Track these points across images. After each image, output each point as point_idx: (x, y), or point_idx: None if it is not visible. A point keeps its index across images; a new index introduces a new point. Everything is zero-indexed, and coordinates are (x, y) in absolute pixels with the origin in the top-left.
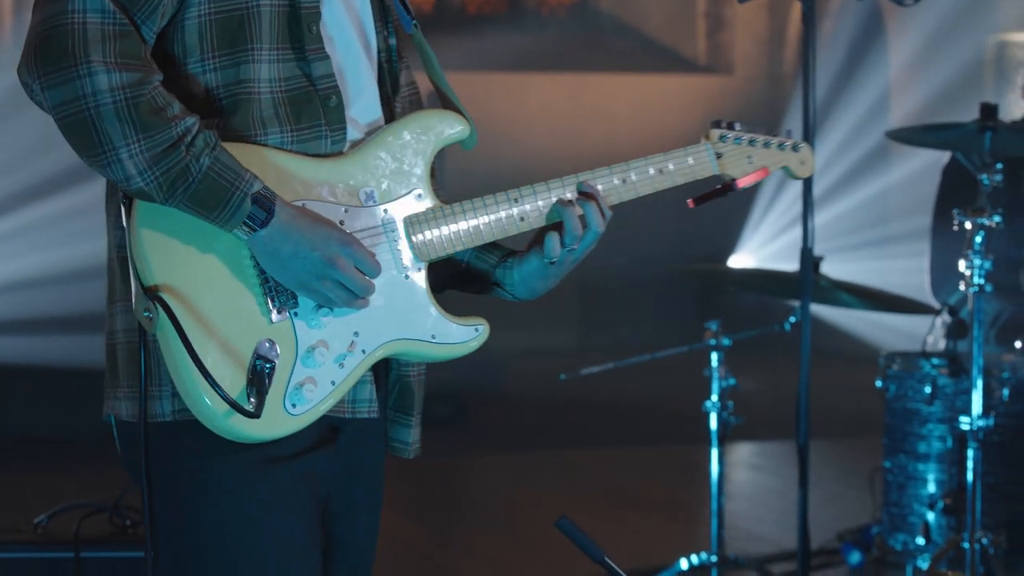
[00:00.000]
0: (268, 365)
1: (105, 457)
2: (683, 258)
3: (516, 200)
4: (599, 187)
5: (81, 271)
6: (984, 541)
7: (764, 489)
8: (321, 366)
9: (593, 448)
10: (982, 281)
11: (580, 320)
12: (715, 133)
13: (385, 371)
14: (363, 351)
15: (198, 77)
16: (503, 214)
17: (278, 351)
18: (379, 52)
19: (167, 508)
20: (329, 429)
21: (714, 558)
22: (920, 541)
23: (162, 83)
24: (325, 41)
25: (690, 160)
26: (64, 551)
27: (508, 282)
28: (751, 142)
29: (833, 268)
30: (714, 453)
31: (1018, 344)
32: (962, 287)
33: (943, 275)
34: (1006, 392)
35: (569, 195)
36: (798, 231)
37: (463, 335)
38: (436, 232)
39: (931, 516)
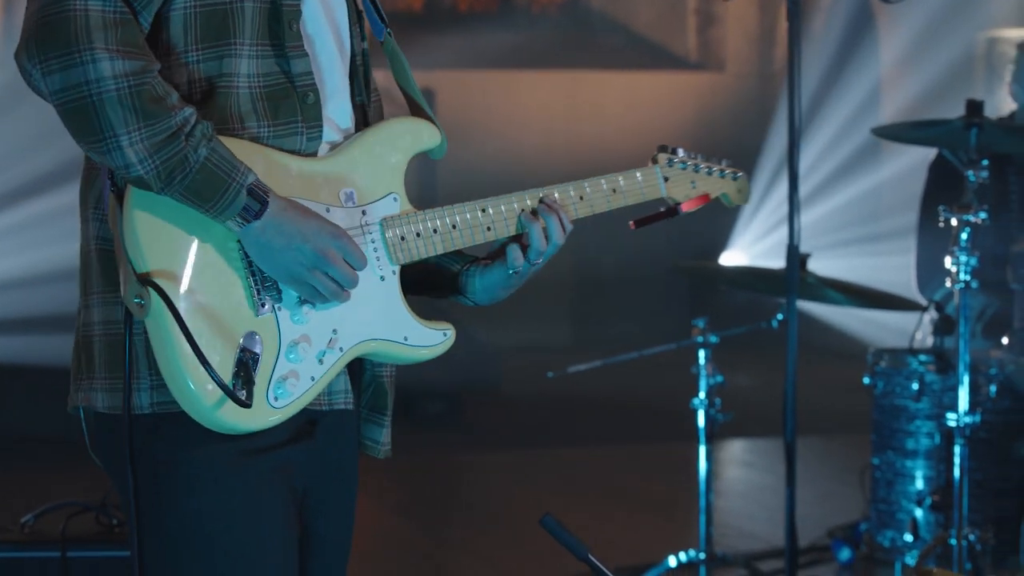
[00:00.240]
0: (253, 357)
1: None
2: (676, 255)
3: (484, 210)
4: (560, 201)
5: (72, 270)
6: (971, 538)
7: (756, 486)
8: (303, 361)
9: (586, 445)
10: (968, 277)
11: (575, 317)
12: (663, 157)
13: (360, 370)
14: (340, 348)
15: (180, 68)
16: (472, 223)
17: (262, 344)
18: (353, 55)
19: (145, 500)
20: (307, 422)
21: (702, 555)
22: (908, 538)
23: None
24: (304, 40)
25: (641, 181)
26: (51, 550)
27: (470, 289)
28: (695, 168)
29: (823, 265)
30: (702, 450)
31: (1005, 340)
32: (948, 283)
33: (929, 271)
34: (993, 388)
35: (532, 206)
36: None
37: (432, 339)
38: (411, 236)
39: (919, 513)
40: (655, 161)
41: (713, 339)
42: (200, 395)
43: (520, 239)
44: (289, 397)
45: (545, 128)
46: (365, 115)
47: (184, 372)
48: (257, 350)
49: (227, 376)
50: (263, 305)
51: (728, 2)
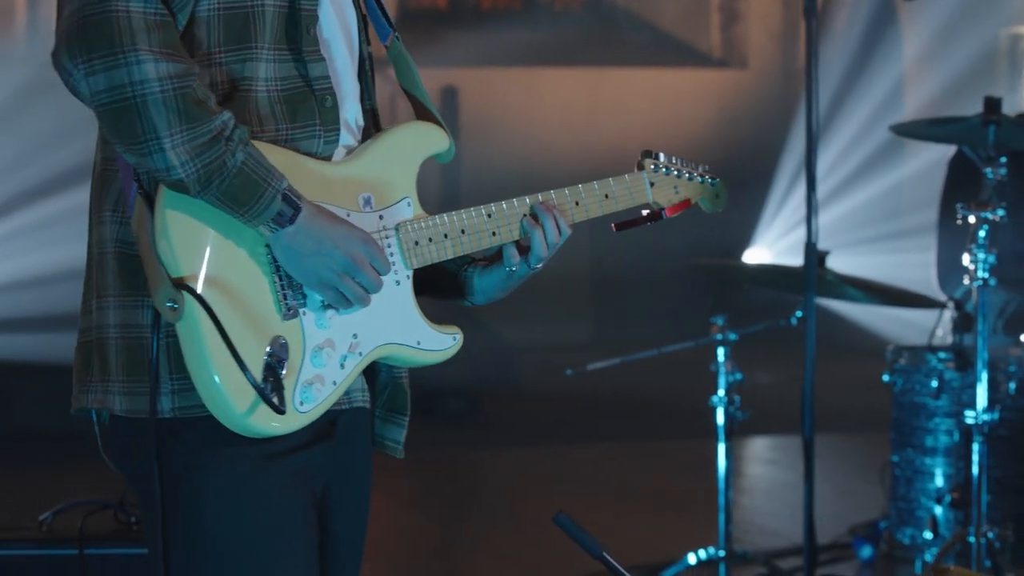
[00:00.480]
0: (280, 362)
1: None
2: (698, 252)
3: (489, 215)
4: (559, 205)
5: None
6: (990, 535)
7: (778, 484)
8: (327, 365)
9: (606, 443)
10: (986, 275)
11: (596, 315)
12: (648, 163)
13: (375, 370)
14: (360, 353)
15: (205, 69)
16: (480, 228)
17: (289, 348)
18: (362, 59)
19: (165, 504)
20: (327, 423)
21: (722, 553)
22: (928, 535)
23: None
24: (321, 44)
25: (630, 187)
26: (68, 548)
27: (468, 290)
28: (678, 174)
29: (845, 262)
30: (721, 448)
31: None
32: (966, 281)
33: (950, 269)
34: (1012, 386)
35: (532, 212)
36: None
37: (443, 343)
38: (424, 241)
39: (939, 510)
40: (641, 167)
41: (732, 336)
42: (233, 400)
43: (520, 242)
44: (314, 402)
45: (568, 126)
46: (375, 118)
47: (217, 377)
48: (284, 354)
49: (257, 381)
50: (289, 310)
51: None
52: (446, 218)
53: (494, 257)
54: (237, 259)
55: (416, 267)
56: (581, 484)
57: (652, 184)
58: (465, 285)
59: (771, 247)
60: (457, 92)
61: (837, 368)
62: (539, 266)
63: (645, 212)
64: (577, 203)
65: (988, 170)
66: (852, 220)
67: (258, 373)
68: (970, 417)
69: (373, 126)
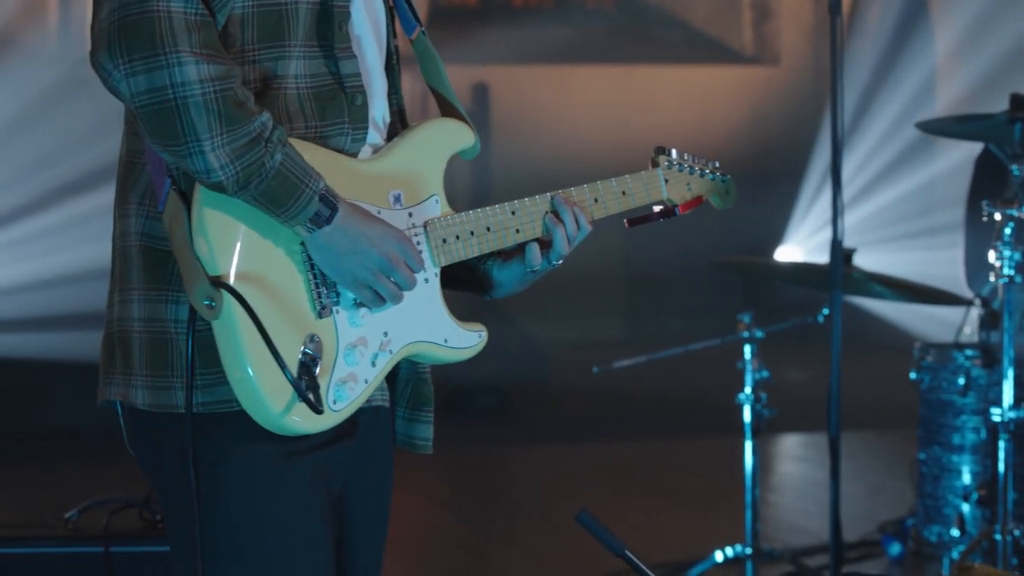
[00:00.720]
0: (314, 360)
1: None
2: (731, 249)
3: (513, 212)
4: (579, 202)
5: None
6: (1016, 533)
7: (809, 481)
8: (359, 363)
9: (636, 440)
10: (1012, 272)
11: (626, 313)
12: (663, 160)
13: (395, 367)
14: (390, 351)
15: (238, 66)
16: (504, 225)
17: (323, 346)
18: (389, 54)
19: (184, 500)
20: (349, 422)
21: (748, 550)
22: (955, 533)
23: None
24: (352, 41)
25: (646, 184)
26: (94, 546)
27: (488, 283)
28: (691, 170)
29: (877, 259)
30: (747, 445)
31: None
32: (992, 278)
33: (977, 266)
34: None
35: (553, 208)
36: (846, 221)
37: (468, 340)
38: (452, 238)
39: (966, 508)
40: (656, 164)
41: (759, 334)
42: (269, 399)
43: (541, 239)
44: (347, 400)
45: (599, 123)
46: (402, 115)
47: (254, 376)
48: (318, 353)
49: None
50: (324, 308)
51: None
52: (472, 215)
53: (513, 251)
54: (273, 257)
55: (444, 264)
56: (612, 481)
57: (667, 181)
58: (485, 279)
59: (802, 244)
60: (488, 89)
61: (868, 365)
62: (558, 263)
63: (658, 208)
64: (596, 200)
65: (1014, 167)
66: (884, 217)
67: (295, 372)
68: (996, 414)
69: (400, 123)
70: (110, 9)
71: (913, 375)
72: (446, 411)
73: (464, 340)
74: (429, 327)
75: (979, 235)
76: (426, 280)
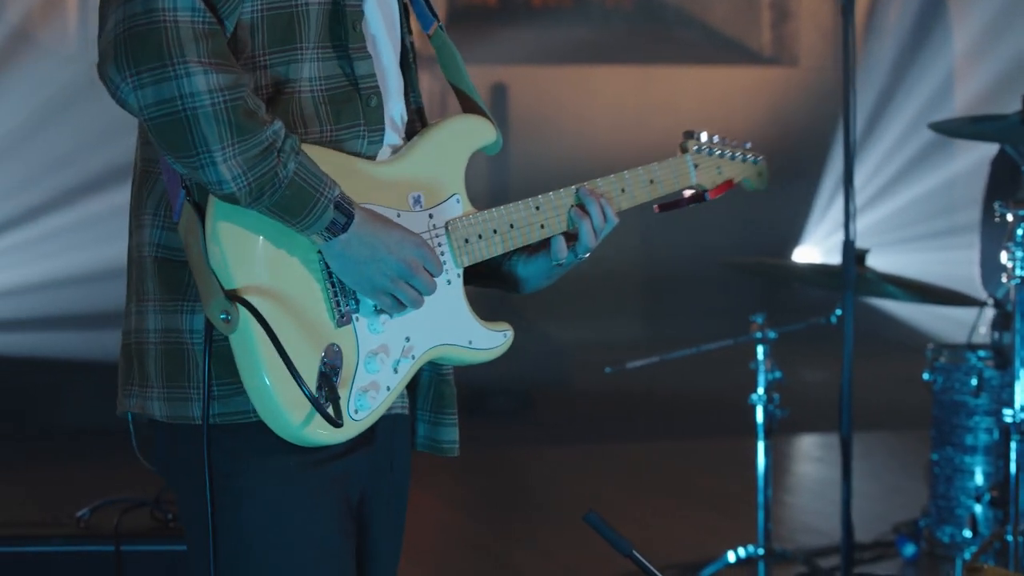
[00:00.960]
0: (335, 370)
1: (147, 453)
2: (749, 250)
3: (537, 208)
4: (605, 194)
5: None
6: None
7: (826, 482)
8: (381, 371)
9: (655, 440)
10: None
11: (647, 313)
12: (691, 144)
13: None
14: (413, 356)
15: (248, 72)
16: (528, 221)
17: (343, 355)
18: (404, 51)
19: (200, 512)
20: (368, 429)
21: (761, 551)
22: (967, 534)
23: None
24: (367, 40)
25: (675, 171)
26: (105, 544)
27: (514, 278)
28: (721, 154)
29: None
30: (760, 446)
31: None
32: (1004, 279)
33: (992, 267)
34: None
35: (578, 201)
36: (864, 222)
37: (494, 340)
38: (474, 238)
39: (978, 509)
40: (684, 149)
41: (771, 335)
42: (288, 412)
43: (568, 233)
44: (368, 409)
45: (617, 123)
46: (421, 113)
47: (272, 388)
48: (338, 362)
49: (312, 392)
50: (343, 316)
51: None
52: (495, 213)
53: (538, 245)
54: (289, 267)
55: (467, 264)
56: (629, 481)
57: (696, 166)
58: (510, 276)
59: (820, 245)
60: (507, 89)
61: (883, 365)
62: (585, 255)
63: (688, 193)
64: (623, 190)
65: None
66: (902, 217)
67: (313, 383)
68: (1008, 415)
69: (419, 121)
70: (116, 20)
71: (926, 376)
72: (464, 412)
73: (489, 340)
74: (453, 330)
75: (994, 236)
76: (448, 282)
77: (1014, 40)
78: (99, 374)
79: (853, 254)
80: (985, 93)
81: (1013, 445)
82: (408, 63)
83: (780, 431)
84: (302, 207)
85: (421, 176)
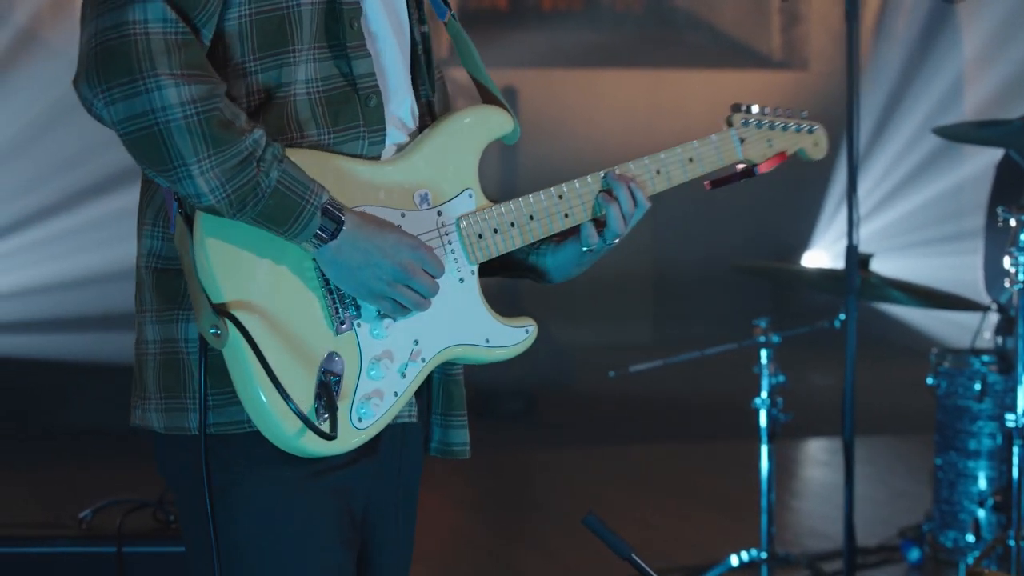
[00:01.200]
0: (335, 378)
1: (150, 453)
2: (758, 253)
3: (560, 196)
4: (636, 177)
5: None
6: None
7: (831, 486)
8: (385, 377)
9: (662, 443)
10: None
11: (655, 316)
12: (737, 118)
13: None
14: (423, 359)
15: (238, 80)
16: (550, 211)
17: (344, 364)
18: (414, 44)
19: (199, 522)
20: (372, 440)
21: (764, 555)
22: (970, 538)
23: None
24: (367, 38)
25: (718, 147)
26: (107, 546)
27: (542, 268)
28: (771, 126)
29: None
30: (763, 450)
31: None
32: (1007, 284)
33: (996, 272)
34: None
35: (606, 186)
36: (872, 226)
37: (514, 337)
38: (489, 233)
39: (981, 513)
40: (730, 124)
41: (775, 339)
42: (283, 423)
43: (597, 219)
44: (372, 417)
45: (627, 127)
46: (431, 108)
47: (266, 402)
48: (338, 371)
49: (309, 402)
50: (342, 323)
51: (785, 2)
52: (512, 205)
53: (566, 232)
54: (282, 278)
55: (481, 261)
56: (640, 484)
57: (743, 140)
58: (539, 263)
59: (828, 249)
60: (517, 93)
61: (888, 369)
62: (616, 241)
63: (740, 167)
64: (658, 171)
65: None
66: (910, 222)
67: (308, 395)
68: (1011, 420)
69: (428, 116)
70: (89, 35)
71: (930, 380)
72: (471, 415)
73: (509, 338)
74: (467, 329)
75: (998, 241)
76: (461, 280)
77: (1022, 47)
78: (103, 376)
79: (856, 259)
80: (995, 98)
81: (1016, 450)
82: (417, 55)
83: (785, 435)
84: (287, 216)
85: (428, 173)
